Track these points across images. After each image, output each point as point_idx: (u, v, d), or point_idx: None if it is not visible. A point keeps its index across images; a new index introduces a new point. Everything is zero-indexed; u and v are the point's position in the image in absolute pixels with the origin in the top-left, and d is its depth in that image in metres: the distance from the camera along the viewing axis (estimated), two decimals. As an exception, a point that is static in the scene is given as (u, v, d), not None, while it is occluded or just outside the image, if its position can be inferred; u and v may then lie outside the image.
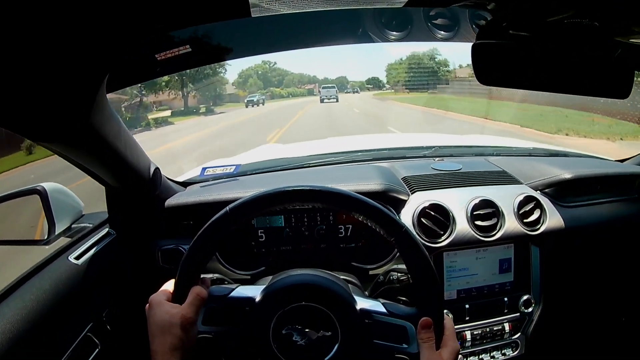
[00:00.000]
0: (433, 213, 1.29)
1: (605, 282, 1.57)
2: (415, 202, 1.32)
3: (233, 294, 0.81)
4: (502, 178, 1.46)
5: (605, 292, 1.59)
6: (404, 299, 1.12)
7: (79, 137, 0.86)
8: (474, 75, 0.85)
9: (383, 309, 0.80)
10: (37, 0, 0.52)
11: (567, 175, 1.44)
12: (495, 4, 0.79)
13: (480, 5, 0.86)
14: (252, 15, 0.73)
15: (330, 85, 22.11)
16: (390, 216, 0.78)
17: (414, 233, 0.78)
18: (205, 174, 1.46)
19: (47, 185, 1.16)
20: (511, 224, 1.32)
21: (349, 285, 0.89)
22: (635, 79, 0.78)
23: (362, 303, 0.80)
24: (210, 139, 10.96)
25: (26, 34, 0.57)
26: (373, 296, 1.11)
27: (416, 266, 0.77)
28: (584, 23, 0.71)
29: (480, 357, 1.33)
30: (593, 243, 1.47)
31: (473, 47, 0.82)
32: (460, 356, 1.26)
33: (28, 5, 0.51)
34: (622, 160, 1.78)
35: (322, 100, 19.93)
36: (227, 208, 0.77)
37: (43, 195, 1.14)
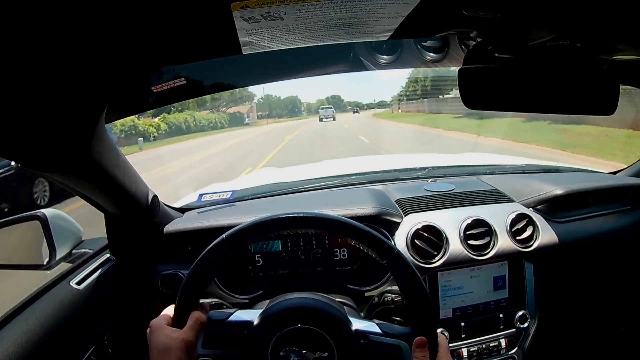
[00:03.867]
0: (426, 234, 1.31)
1: (600, 294, 1.57)
2: (408, 224, 1.33)
3: (232, 318, 0.83)
4: (495, 197, 1.47)
5: (600, 305, 1.59)
6: (398, 319, 1.14)
7: (79, 167, 0.88)
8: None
9: (378, 329, 0.81)
10: (38, 34, 0.53)
11: (558, 191, 1.45)
12: (477, 32, 0.81)
13: (463, 34, 0.87)
14: (243, 53, 0.76)
15: (327, 106, 23.92)
16: (381, 239, 0.80)
17: (405, 255, 0.80)
18: (202, 200, 1.48)
19: (47, 212, 1.17)
20: (504, 242, 1.33)
21: (345, 307, 0.91)
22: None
23: (358, 324, 0.82)
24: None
25: (27, 67, 0.58)
26: (368, 317, 1.12)
27: (409, 287, 0.79)
28: (568, 44, 0.72)
29: None
30: (587, 256, 1.47)
31: (459, 73, 0.83)
32: None
33: (29, 38, 0.53)
34: (615, 172, 1.79)
35: (320, 120, 21.80)
36: (224, 235, 0.80)
37: (43, 221, 1.15)
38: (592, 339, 1.64)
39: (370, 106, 25.89)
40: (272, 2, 0.56)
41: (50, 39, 0.56)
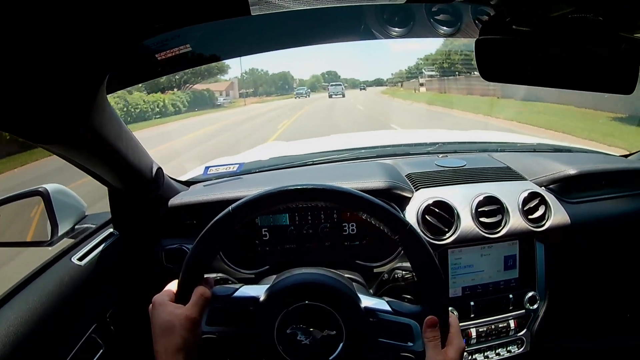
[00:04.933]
0: (437, 210, 1.29)
1: (610, 278, 1.56)
2: (419, 199, 1.32)
3: (237, 294, 0.81)
4: (507, 174, 1.45)
5: (610, 288, 1.58)
6: (408, 297, 1.12)
7: (80, 139, 0.86)
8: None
9: (388, 307, 0.80)
10: (37, 2, 0.52)
11: (571, 171, 1.43)
12: (498, 1, 0.78)
13: (483, 1, 0.85)
14: (252, 14, 0.73)
15: (337, 83, 23.92)
16: (395, 214, 0.78)
17: (419, 231, 0.78)
18: (208, 172, 1.46)
19: (49, 187, 1.15)
20: (516, 221, 1.31)
21: (354, 283, 0.89)
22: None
23: (367, 301, 0.80)
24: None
25: (26, 36, 0.56)
26: (378, 294, 1.11)
27: (421, 264, 0.77)
28: (588, 18, 0.70)
29: (486, 354, 1.33)
30: (598, 239, 1.46)
31: (476, 43, 0.81)
32: (465, 353, 1.26)
33: (28, 6, 0.51)
34: (626, 156, 1.77)
35: (330, 96, 22.04)
36: (230, 208, 0.77)
37: (45, 196, 1.14)
38: (601, 322, 1.62)
39: (367, 84, 25.40)
40: None
41: (49, 7, 0.54)
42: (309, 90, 25.26)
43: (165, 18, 0.74)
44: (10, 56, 0.58)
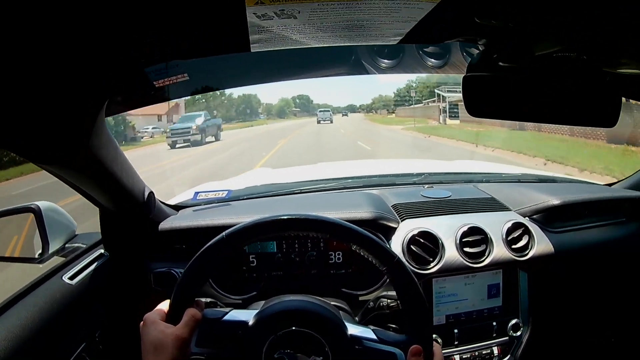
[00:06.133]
0: (422, 240, 1.30)
1: (593, 305, 1.58)
2: (404, 230, 1.33)
3: (227, 317, 0.82)
4: (491, 205, 1.48)
5: (593, 315, 1.60)
6: (393, 326, 1.13)
7: (77, 160, 0.87)
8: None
9: (373, 336, 0.80)
10: (39, 27, 0.53)
11: (555, 201, 1.46)
12: (486, 40, 0.81)
13: (471, 41, 0.88)
14: (252, 50, 0.76)
15: (325, 109, 24.00)
16: (383, 246, 0.80)
17: (404, 261, 0.80)
18: (197, 197, 1.47)
19: (41, 204, 1.16)
20: (500, 251, 1.33)
21: (340, 311, 0.90)
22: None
23: (353, 329, 0.81)
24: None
25: (28, 59, 0.58)
26: (363, 322, 1.11)
27: (407, 295, 0.79)
28: (573, 56, 0.73)
29: None
30: (581, 267, 1.48)
31: (464, 80, 0.82)
32: None
33: (30, 30, 0.53)
34: (610, 184, 1.80)
35: (318, 122, 22.24)
36: (224, 234, 0.79)
37: (37, 213, 1.14)
38: (584, 349, 1.64)
39: (338, 110, 25.43)
40: None
41: (53, 32, 0.55)
42: (331, 113, 23.39)
43: (167, 51, 0.76)
44: (13, 78, 0.60)
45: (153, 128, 16.92)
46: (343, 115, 24.89)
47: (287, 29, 0.67)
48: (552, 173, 2.18)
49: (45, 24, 0.53)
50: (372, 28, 0.71)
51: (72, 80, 0.68)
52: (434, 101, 17.43)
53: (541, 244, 1.38)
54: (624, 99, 0.84)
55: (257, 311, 0.82)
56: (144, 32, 0.66)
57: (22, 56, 0.56)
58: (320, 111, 23.60)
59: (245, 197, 1.59)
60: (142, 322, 0.78)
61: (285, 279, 1.33)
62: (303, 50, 0.81)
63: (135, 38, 0.67)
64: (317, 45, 0.78)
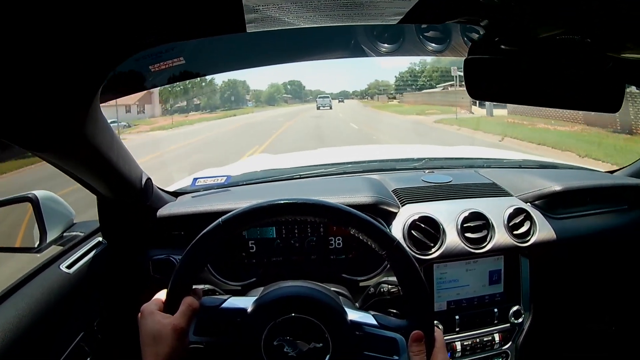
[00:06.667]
0: (423, 225, 1.30)
1: (594, 292, 1.58)
2: (405, 215, 1.33)
3: (225, 305, 0.81)
4: (492, 190, 1.47)
5: (594, 302, 1.60)
6: (394, 311, 1.13)
7: (72, 147, 0.86)
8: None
9: (374, 321, 0.80)
10: (34, 11, 0.52)
11: (557, 187, 1.45)
12: (488, 21, 0.80)
13: (473, 22, 0.86)
14: (248, 31, 0.74)
15: (325, 95, 23.96)
16: (382, 230, 0.79)
17: (405, 247, 0.79)
18: (196, 184, 1.46)
19: (38, 193, 1.15)
20: (501, 236, 1.33)
21: (340, 297, 0.90)
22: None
23: (353, 315, 0.80)
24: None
25: (22, 44, 0.57)
26: (363, 308, 1.11)
27: (407, 280, 0.78)
28: (576, 39, 0.72)
29: None
30: (583, 254, 1.48)
31: (465, 62, 0.82)
32: None
33: (25, 15, 0.52)
34: (612, 172, 1.79)
35: (318, 108, 22.58)
36: (220, 220, 0.78)
37: (35, 202, 1.14)
38: (585, 336, 1.64)
39: (333, 96, 24.43)
40: None
41: (45, 15, 0.54)
42: (330, 100, 22.93)
43: (161, 32, 0.75)
44: (6, 63, 0.59)
45: (111, 122, 14.62)
46: (340, 101, 24.71)
47: (283, 8, 0.65)
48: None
49: (38, 7, 0.52)
50: (371, 7, 0.69)
51: (65, 64, 0.67)
52: (452, 85, 14.87)
53: (543, 230, 1.37)
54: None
55: (255, 298, 0.81)
56: (139, 14, 0.65)
57: (14, 40, 0.55)
58: (320, 97, 23.54)
59: (244, 183, 1.59)
60: (139, 314, 0.77)
61: (285, 265, 1.33)
62: (300, 31, 0.79)
63: (129, 20, 0.66)
64: (314, 25, 0.76)
